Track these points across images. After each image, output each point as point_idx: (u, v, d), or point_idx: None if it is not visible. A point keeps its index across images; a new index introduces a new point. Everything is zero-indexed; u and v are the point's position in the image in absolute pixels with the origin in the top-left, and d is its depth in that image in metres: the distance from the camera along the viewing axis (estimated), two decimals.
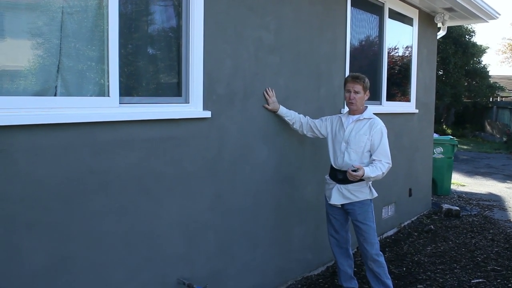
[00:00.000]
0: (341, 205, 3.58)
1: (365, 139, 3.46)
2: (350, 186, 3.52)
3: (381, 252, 3.60)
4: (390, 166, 3.43)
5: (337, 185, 3.57)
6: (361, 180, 3.40)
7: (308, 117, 3.81)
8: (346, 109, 3.68)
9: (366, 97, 3.57)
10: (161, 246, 2.89)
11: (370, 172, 3.31)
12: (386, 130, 3.51)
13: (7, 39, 2.25)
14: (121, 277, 2.67)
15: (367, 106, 3.61)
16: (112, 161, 2.58)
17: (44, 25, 2.35)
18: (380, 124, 3.50)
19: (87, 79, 2.55)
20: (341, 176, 3.54)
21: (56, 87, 2.40)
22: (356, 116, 3.55)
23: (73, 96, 2.46)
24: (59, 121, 2.31)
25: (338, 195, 3.56)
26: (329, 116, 3.79)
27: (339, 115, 3.72)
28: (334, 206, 3.64)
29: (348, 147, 3.49)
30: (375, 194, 3.58)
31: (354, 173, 3.27)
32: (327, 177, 3.73)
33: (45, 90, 2.37)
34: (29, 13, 2.30)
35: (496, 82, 21.89)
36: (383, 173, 3.38)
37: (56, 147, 2.32)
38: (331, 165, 3.65)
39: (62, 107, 2.36)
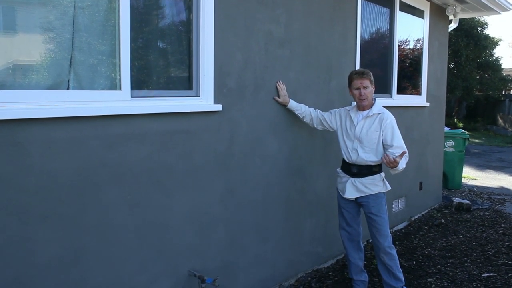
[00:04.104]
0: (355, 198, 3.58)
1: (377, 135, 3.45)
2: (364, 179, 3.51)
3: (393, 245, 3.60)
4: (408, 158, 3.41)
5: (351, 178, 3.56)
6: (395, 169, 3.30)
7: (319, 111, 3.80)
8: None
9: (373, 90, 3.56)
10: (172, 238, 2.92)
11: (401, 164, 3.27)
12: (395, 122, 3.50)
13: (20, 34, 2.28)
14: (133, 269, 2.70)
15: (375, 99, 3.59)
16: (124, 154, 2.61)
17: (56, 20, 2.37)
18: (389, 117, 3.48)
19: (99, 73, 2.58)
20: (355, 170, 3.54)
21: (68, 81, 2.43)
22: (365, 112, 3.52)
23: (85, 89, 2.49)
24: (72, 115, 2.34)
25: (353, 189, 3.55)
26: (337, 109, 3.77)
27: (347, 108, 3.69)
28: (347, 199, 3.63)
29: (362, 145, 3.48)
30: (389, 187, 3.57)
31: (394, 160, 3.21)
32: (339, 170, 3.72)
33: (58, 84, 2.40)
34: (41, 8, 2.33)
35: (508, 75, 21.63)
36: (404, 167, 3.36)
37: (69, 140, 2.35)
38: (344, 159, 3.65)
39: (74, 101, 2.39)
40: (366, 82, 3.46)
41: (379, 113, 3.49)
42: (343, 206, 3.71)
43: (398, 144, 3.40)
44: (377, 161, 3.50)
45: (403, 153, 3.28)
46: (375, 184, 3.52)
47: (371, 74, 3.52)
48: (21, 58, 2.31)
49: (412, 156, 3.61)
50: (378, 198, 3.53)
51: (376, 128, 3.46)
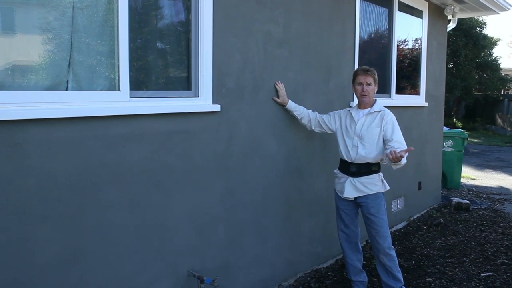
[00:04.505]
0: (354, 198, 3.59)
1: (378, 131, 3.47)
2: (363, 179, 3.51)
3: (392, 246, 3.59)
4: (406, 154, 3.41)
5: (350, 178, 3.56)
6: (397, 162, 3.26)
7: (317, 113, 3.80)
8: (355, 102, 3.67)
9: (376, 89, 3.58)
10: (172, 238, 2.93)
11: (403, 159, 3.26)
12: (395, 119, 3.52)
13: (19, 35, 2.28)
14: (132, 269, 2.71)
15: (376, 99, 3.61)
16: (123, 154, 2.61)
17: (55, 20, 2.37)
18: (390, 114, 3.51)
19: (97, 74, 2.58)
20: (354, 169, 3.54)
21: (67, 81, 2.43)
22: (366, 110, 3.54)
23: (84, 90, 2.49)
24: (71, 115, 2.34)
25: (352, 188, 3.56)
26: (336, 111, 3.78)
27: (348, 109, 3.71)
28: (345, 200, 3.63)
29: (362, 141, 3.49)
30: (388, 187, 3.57)
31: (400, 154, 3.17)
32: (337, 171, 3.72)
33: (57, 85, 2.40)
34: (40, 9, 2.33)
35: (507, 75, 21.66)
36: (405, 161, 3.35)
37: (68, 141, 2.36)
38: (342, 159, 3.65)
39: (73, 101, 2.39)
40: (370, 79, 3.49)
41: (380, 111, 3.53)
42: (341, 208, 3.70)
43: (398, 139, 3.42)
44: (376, 158, 3.50)
45: (409, 149, 3.25)
46: (374, 184, 3.53)
47: (376, 73, 3.56)
48: (20, 58, 2.31)
49: (411, 156, 3.62)
50: (377, 198, 3.53)
51: (377, 124, 3.48)
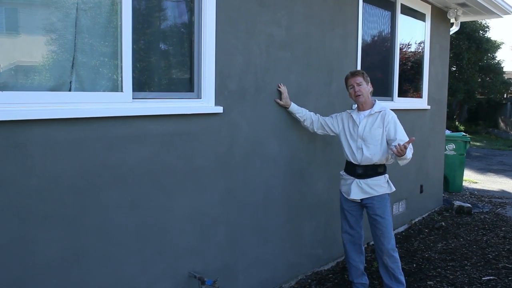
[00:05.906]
0: (360, 200, 3.59)
1: (380, 132, 3.48)
2: (369, 180, 3.53)
3: (396, 248, 3.59)
4: (412, 150, 3.40)
5: (356, 180, 3.57)
6: (403, 158, 3.28)
7: (319, 115, 3.81)
8: (356, 104, 3.68)
9: (370, 89, 3.59)
10: (172, 239, 2.93)
11: (408, 153, 3.26)
12: (397, 118, 3.53)
13: (22, 35, 2.29)
14: (133, 270, 2.71)
15: (375, 100, 3.62)
16: (125, 155, 2.62)
17: (59, 21, 2.38)
18: (391, 114, 3.52)
19: (100, 75, 2.59)
20: (360, 171, 3.55)
21: (70, 82, 2.44)
22: (367, 112, 3.55)
23: (87, 91, 2.50)
24: (74, 116, 2.35)
25: (358, 190, 3.56)
26: (338, 113, 3.79)
27: (349, 111, 3.71)
28: (350, 201, 3.63)
29: (366, 143, 3.50)
30: (393, 188, 3.58)
31: (404, 145, 3.18)
32: (342, 172, 3.73)
33: (60, 86, 2.41)
34: (44, 10, 2.34)
35: (510, 78, 21.63)
36: (411, 156, 3.35)
37: (71, 142, 2.36)
38: (348, 161, 3.66)
39: (76, 102, 2.40)
40: (359, 79, 3.53)
41: (381, 111, 3.54)
42: (346, 209, 3.70)
43: (401, 137, 3.43)
44: (381, 159, 3.50)
45: (411, 140, 3.26)
46: (380, 185, 3.54)
47: (365, 73, 3.60)
48: (23, 59, 2.32)
49: (413, 159, 3.61)
50: (383, 199, 3.54)
51: (379, 125, 3.49)
